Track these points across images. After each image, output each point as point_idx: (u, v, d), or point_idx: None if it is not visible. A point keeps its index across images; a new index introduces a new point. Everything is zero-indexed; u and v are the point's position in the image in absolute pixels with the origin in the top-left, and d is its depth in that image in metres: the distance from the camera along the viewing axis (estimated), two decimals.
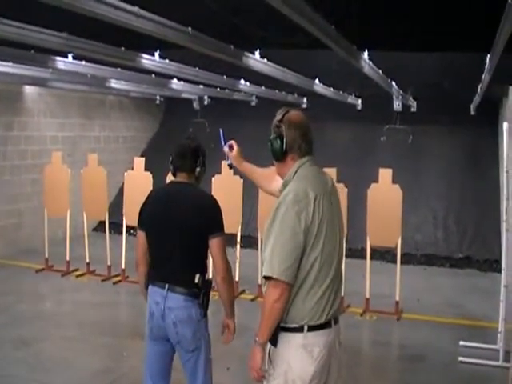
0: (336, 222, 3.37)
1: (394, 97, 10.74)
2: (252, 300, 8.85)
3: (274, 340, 3.27)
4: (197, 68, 8.30)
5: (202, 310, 4.07)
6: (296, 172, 3.35)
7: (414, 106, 12.45)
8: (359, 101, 13.19)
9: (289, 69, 8.27)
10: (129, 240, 9.83)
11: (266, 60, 7.27)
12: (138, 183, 9.24)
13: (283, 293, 3.16)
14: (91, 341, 7.17)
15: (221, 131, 3.78)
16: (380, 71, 7.96)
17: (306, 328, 3.24)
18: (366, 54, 6.86)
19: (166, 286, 4.03)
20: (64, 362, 6.47)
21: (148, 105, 15.19)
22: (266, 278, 3.20)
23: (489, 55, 6.78)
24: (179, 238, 4.06)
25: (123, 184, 12.34)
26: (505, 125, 6.90)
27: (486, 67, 7.16)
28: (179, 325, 4.03)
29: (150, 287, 4.15)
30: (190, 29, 5.26)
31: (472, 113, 12.30)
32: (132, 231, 9.89)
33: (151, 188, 9.04)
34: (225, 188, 8.84)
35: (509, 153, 6.86)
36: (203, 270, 4.14)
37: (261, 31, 6.12)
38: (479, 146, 13.01)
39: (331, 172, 8.69)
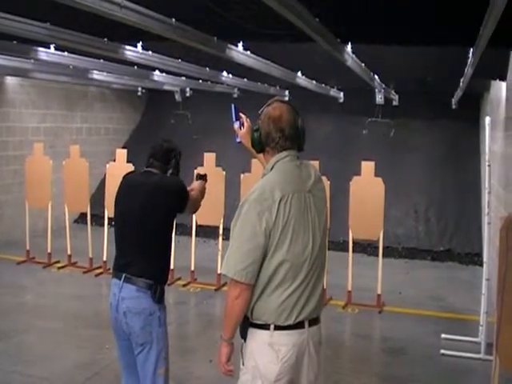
0: (310, 222, 3.24)
1: (377, 90, 10.75)
2: None
3: (243, 334, 3.27)
4: (179, 60, 8.25)
5: (155, 303, 3.99)
6: (273, 167, 3.26)
7: (395, 99, 12.47)
8: (341, 94, 13.19)
9: (272, 61, 8.24)
10: (110, 232, 9.76)
11: (249, 52, 7.24)
12: (120, 175, 9.06)
13: (242, 292, 3.11)
14: (73, 333, 7.14)
15: (232, 106, 3.68)
16: (363, 64, 7.94)
17: (272, 327, 3.18)
18: (349, 47, 6.83)
19: (123, 276, 3.99)
20: (46, 354, 6.43)
21: (130, 96, 15.10)
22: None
23: (472, 49, 6.78)
24: (138, 226, 4.03)
25: (105, 176, 12.31)
26: (487, 119, 6.94)
27: (469, 61, 7.16)
28: (129, 315, 3.96)
29: (112, 279, 4.12)
30: (173, 20, 5.22)
31: (453, 107, 12.34)
32: (113, 223, 9.82)
33: None
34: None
35: (490, 146, 6.89)
36: (161, 261, 4.11)
37: (244, 23, 6.09)
38: (460, 140, 13.06)
39: (314, 165, 8.70)
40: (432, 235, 11.92)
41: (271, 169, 3.26)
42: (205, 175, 4.79)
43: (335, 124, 13.99)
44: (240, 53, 6.87)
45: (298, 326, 3.21)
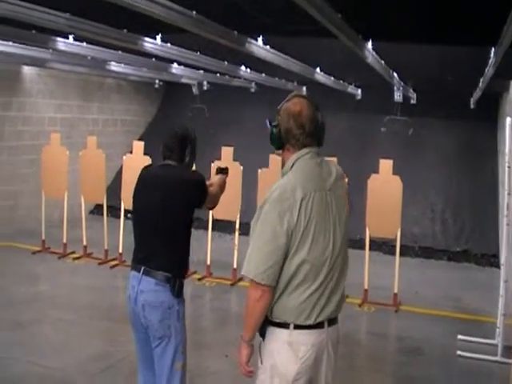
0: (331, 221, 3.16)
1: (395, 88, 10.65)
2: None
3: (262, 333, 3.22)
4: (198, 53, 8.19)
5: (173, 296, 3.94)
6: (293, 164, 3.18)
7: (413, 97, 12.36)
8: (359, 91, 13.08)
9: (291, 56, 8.17)
10: (126, 224, 9.75)
11: (268, 47, 7.17)
12: (137, 167, 9.03)
13: (263, 294, 3.05)
14: (88, 324, 7.12)
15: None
16: (382, 62, 7.86)
17: (291, 326, 3.13)
18: (369, 44, 6.77)
19: (142, 268, 3.94)
20: (61, 345, 6.42)
21: (147, 89, 15.06)
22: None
23: (493, 49, 6.70)
24: (156, 220, 3.97)
25: (121, 167, 12.28)
26: (508, 120, 6.82)
27: (490, 61, 7.06)
28: (147, 308, 3.91)
29: (131, 272, 4.07)
30: (194, 13, 5.16)
31: (472, 106, 12.21)
32: (129, 215, 9.79)
33: None
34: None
35: (511, 148, 6.78)
36: (180, 254, 4.06)
37: (265, 17, 6.04)
38: (478, 140, 12.93)
39: (334, 162, 8.62)
40: (448, 235, 11.81)
41: (291, 166, 3.18)
42: (226, 169, 4.68)
43: (352, 121, 13.88)
44: (260, 47, 6.81)
45: (318, 325, 3.15)
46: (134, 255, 4.11)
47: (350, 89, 12.44)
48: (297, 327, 3.13)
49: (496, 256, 11.20)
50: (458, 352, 6.75)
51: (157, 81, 14.06)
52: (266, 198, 3.10)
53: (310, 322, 3.12)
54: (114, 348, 6.39)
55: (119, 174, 11.74)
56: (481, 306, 8.56)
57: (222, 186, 4.51)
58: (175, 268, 3.98)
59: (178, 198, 3.98)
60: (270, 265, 3.01)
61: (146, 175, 4.21)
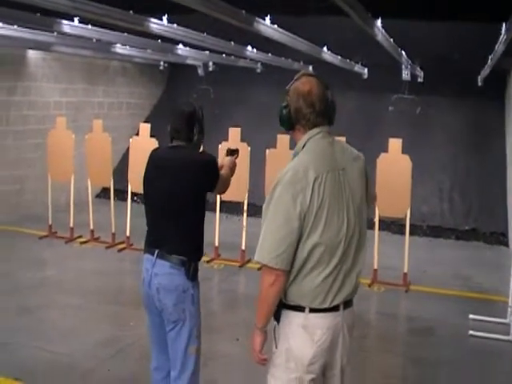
0: (345, 202, 3.07)
1: (403, 66, 10.52)
2: (259, 269, 8.68)
3: (277, 316, 3.16)
4: (204, 33, 8.09)
5: (188, 280, 3.88)
6: (305, 144, 3.10)
7: (420, 76, 12.22)
8: (365, 70, 12.95)
9: (298, 35, 8.06)
10: (133, 207, 9.72)
11: (276, 26, 7.06)
12: (143, 149, 8.97)
13: (277, 279, 2.98)
14: (96, 309, 7.07)
15: None
16: (391, 40, 7.75)
17: (307, 309, 3.07)
18: (379, 22, 6.65)
19: (156, 252, 3.88)
20: (68, 330, 6.36)
21: (151, 71, 14.93)
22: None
23: (505, 25, 6.57)
24: (168, 204, 3.89)
25: (127, 150, 12.21)
26: None
27: (501, 38, 6.94)
28: (162, 292, 3.86)
29: (144, 254, 4.01)
30: None
31: (479, 84, 12.07)
32: (136, 198, 9.76)
33: None
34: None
35: None
36: (194, 238, 3.99)
37: None
38: (485, 118, 12.81)
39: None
40: (457, 214, 11.73)
41: (303, 147, 3.11)
42: (236, 150, 4.56)
43: (359, 100, 13.74)
44: (267, 26, 6.70)
45: (334, 308, 3.09)
46: (146, 238, 4.05)
47: (357, 68, 12.31)
48: (312, 310, 3.06)
49: (504, 234, 11.16)
50: (470, 332, 6.69)
51: (162, 62, 13.94)
52: (277, 179, 3.02)
53: (326, 305, 3.06)
54: (123, 332, 6.34)
55: (125, 156, 11.67)
56: (491, 285, 8.50)
57: (232, 169, 4.41)
58: (190, 251, 3.91)
59: (187, 181, 3.89)
60: (283, 249, 2.94)
61: (155, 158, 4.11)
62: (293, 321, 3.10)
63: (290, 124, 3.16)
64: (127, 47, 10.30)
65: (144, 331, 6.22)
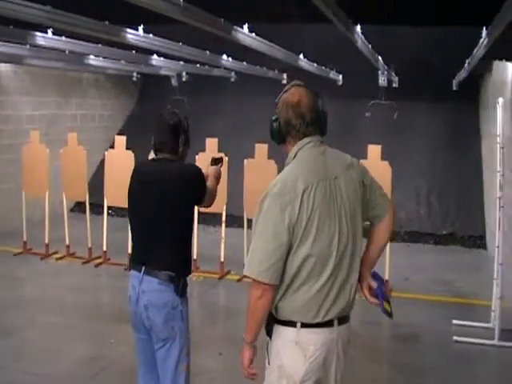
0: (337, 211, 2.99)
1: (380, 72, 10.50)
2: (238, 281, 8.63)
3: (269, 331, 3.10)
4: (180, 43, 7.98)
5: (177, 296, 3.77)
6: (295, 155, 3.07)
7: (395, 81, 12.21)
8: (340, 76, 12.91)
9: (275, 43, 7.99)
10: (109, 220, 9.56)
11: (254, 34, 6.98)
12: (119, 162, 8.94)
13: (264, 293, 2.92)
14: (76, 327, 6.87)
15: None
16: (370, 46, 7.70)
17: (299, 324, 2.99)
18: (358, 28, 6.60)
19: (143, 268, 3.77)
20: (49, 350, 6.18)
21: (124, 82, 14.72)
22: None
23: (486, 30, 6.54)
24: (156, 219, 3.78)
25: (100, 163, 12.05)
26: (500, 100, 6.70)
27: (481, 42, 6.90)
28: (150, 309, 3.75)
29: (130, 271, 3.90)
30: (181, 1, 4.95)
31: (454, 88, 12.09)
32: (111, 211, 9.59)
33: (132, 167, 8.78)
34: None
35: (503, 129, 6.67)
36: (183, 253, 3.88)
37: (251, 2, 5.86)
38: (461, 122, 12.81)
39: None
40: (434, 218, 11.73)
41: (294, 157, 3.08)
42: (220, 158, 4.43)
43: (335, 107, 13.63)
44: (246, 35, 6.61)
45: (327, 324, 3.01)
46: (133, 254, 3.97)
47: (332, 74, 12.26)
48: (304, 326, 2.99)
49: (482, 237, 11.18)
50: (455, 337, 6.65)
51: (134, 73, 13.78)
52: (266, 192, 2.98)
53: (318, 319, 2.98)
54: (104, 350, 6.19)
55: (99, 169, 11.52)
56: (471, 289, 8.50)
57: (218, 178, 4.31)
58: (178, 267, 3.81)
59: (174, 194, 3.79)
60: (272, 262, 2.89)
61: (139, 172, 3.99)
62: (285, 336, 3.04)
63: (280, 137, 3.13)
64: (100, 58, 10.15)
65: (126, 349, 6.13)
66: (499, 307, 6.66)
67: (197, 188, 3.91)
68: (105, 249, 9.37)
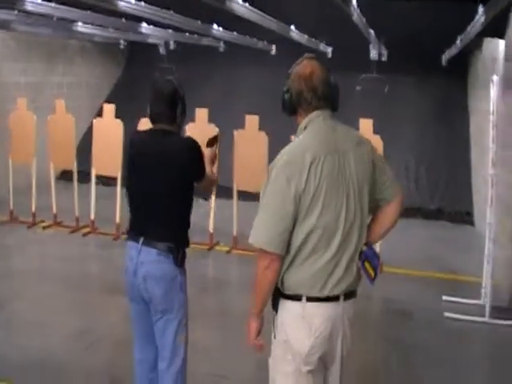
0: (344, 185, 2.98)
1: (371, 45, 10.37)
2: (227, 252, 8.57)
3: (275, 306, 3.10)
4: (171, 11, 7.81)
5: (176, 267, 3.74)
6: (305, 127, 3.07)
7: (385, 55, 12.07)
8: (329, 49, 12.76)
9: (267, 13, 7.85)
10: (97, 189, 9.41)
11: (247, 4, 6.85)
12: (108, 131, 8.81)
13: (271, 263, 2.93)
14: (65, 298, 6.78)
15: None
16: (364, 19, 7.58)
17: (304, 298, 2.99)
18: (354, 1, 6.48)
19: (141, 239, 3.73)
20: (40, 322, 6.05)
21: (111, 50, 14.47)
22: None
23: (482, 6, 6.46)
24: (156, 185, 3.72)
25: (86, 131, 11.88)
26: (494, 78, 6.62)
27: (477, 19, 6.82)
28: (149, 281, 3.71)
29: (128, 242, 3.86)
30: None
31: (443, 64, 11.99)
32: (96, 180, 9.43)
33: (121, 136, 8.71)
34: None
35: (497, 106, 6.59)
36: (182, 225, 3.83)
37: None
38: (450, 98, 12.70)
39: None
40: (423, 194, 11.67)
41: (304, 129, 3.08)
42: (215, 138, 4.30)
43: None
44: (240, 5, 6.48)
45: (333, 298, 3.01)
46: (131, 224, 3.91)
47: (322, 47, 12.12)
48: (310, 299, 2.99)
49: (470, 213, 11.15)
50: (446, 314, 6.65)
51: (121, 41, 13.55)
52: (274, 163, 3.00)
53: (325, 293, 2.98)
54: (96, 321, 6.12)
55: (86, 137, 11.33)
56: (461, 266, 8.47)
57: (214, 161, 4.23)
58: (177, 238, 3.77)
59: (173, 171, 3.71)
60: (278, 232, 2.89)
61: (137, 143, 3.90)
62: (290, 310, 3.04)
63: (291, 108, 3.12)
64: (89, 26, 9.93)
65: (117, 320, 6.07)
66: (490, 285, 6.66)
67: (195, 164, 3.81)
68: (92, 218, 9.26)
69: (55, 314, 6.28)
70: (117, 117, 8.99)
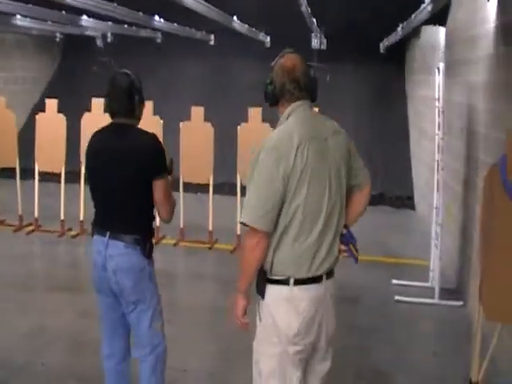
0: (327, 171, 3.17)
1: (313, 34, 10.44)
2: (174, 245, 8.54)
3: (261, 291, 3.22)
4: (115, 4, 7.70)
5: (144, 258, 3.77)
6: (288, 116, 3.23)
7: (324, 43, 12.16)
8: (268, 38, 12.77)
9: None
10: (41, 186, 9.21)
11: None
12: (51, 126, 8.64)
13: (260, 241, 3.07)
14: (14, 297, 6.58)
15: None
16: (309, 9, 7.61)
17: (291, 281, 3.14)
18: None
19: (108, 233, 3.74)
20: None
21: (47, 43, 14.13)
22: (244, 224, 3.12)
23: None
24: (119, 181, 3.72)
25: (24, 127, 11.61)
26: (441, 65, 6.75)
27: (423, 7, 6.92)
28: (119, 273, 3.73)
29: (94, 236, 3.86)
30: None
31: (381, 51, 12.15)
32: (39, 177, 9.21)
33: (64, 131, 8.59)
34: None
35: (444, 93, 6.72)
36: (147, 216, 3.85)
37: None
38: (388, 85, 12.89)
39: (256, 111, 8.39)
40: None
41: (287, 118, 3.24)
42: (170, 162, 3.93)
43: (263, 70, 13.54)
44: None
45: (317, 279, 3.18)
46: (96, 218, 3.90)
47: (261, 36, 12.12)
48: (297, 283, 3.14)
49: (411, 198, 11.37)
50: (396, 297, 6.77)
51: (57, 34, 13.24)
52: (261, 145, 3.13)
53: (310, 274, 3.14)
54: (50, 320, 5.97)
55: (24, 133, 11.05)
56: (405, 249, 8.68)
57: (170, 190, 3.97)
58: (143, 230, 3.80)
59: (132, 166, 3.70)
60: (267, 210, 3.04)
61: (97, 141, 3.89)
62: (278, 295, 3.17)
63: (274, 99, 3.27)
64: (27, 19, 9.68)
65: (71, 317, 5.98)
66: (438, 267, 6.81)
67: (156, 160, 3.78)
68: (36, 216, 9.06)
69: (6, 315, 6.09)
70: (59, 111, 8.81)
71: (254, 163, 3.11)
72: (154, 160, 3.76)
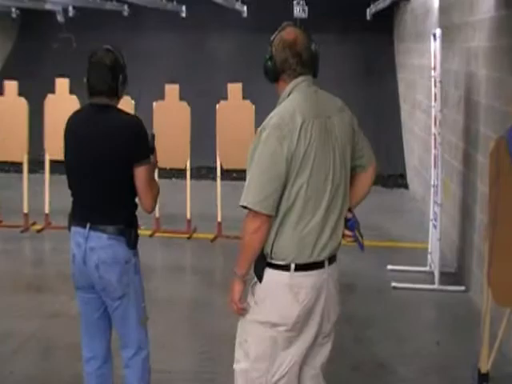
0: (331, 150, 3.17)
1: (295, 2, 10.36)
2: (150, 236, 8.46)
3: (259, 275, 3.23)
4: None
5: (129, 249, 3.71)
6: (290, 93, 3.23)
7: (305, 11, 12.07)
8: (245, 7, 12.66)
9: None
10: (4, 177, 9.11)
11: None
12: (11, 111, 8.51)
13: (261, 224, 3.08)
14: None
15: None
16: None
17: (292, 267, 3.16)
18: None
19: (88, 224, 3.66)
20: None
21: (1, 20, 13.83)
22: (245, 208, 3.12)
23: None
24: (99, 169, 3.66)
25: None
26: (438, 31, 6.68)
27: None
28: (102, 267, 3.67)
29: (72, 228, 3.78)
30: None
31: (368, 18, 12.10)
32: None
33: (26, 116, 8.46)
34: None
35: (441, 62, 6.66)
36: (130, 204, 3.78)
37: None
38: (375, 54, 12.86)
39: (236, 87, 8.31)
40: None
41: (289, 95, 3.23)
42: (152, 138, 3.87)
43: (239, 41, 13.42)
44: None
45: (319, 265, 3.20)
46: (75, 209, 3.83)
47: (237, 6, 12.01)
48: (298, 268, 3.16)
49: (403, 176, 11.37)
50: (393, 283, 6.75)
51: (13, 9, 12.99)
52: (263, 125, 3.14)
53: (312, 259, 3.16)
54: (19, 323, 5.86)
55: None
56: (400, 232, 8.70)
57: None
58: (127, 219, 3.72)
59: (114, 150, 3.64)
60: (269, 193, 3.05)
61: (73, 122, 3.83)
62: (277, 280, 3.19)
63: (274, 75, 3.27)
64: None
65: (40, 319, 5.89)
66: (438, 250, 6.77)
67: (138, 144, 3.70)
68: None
69: None
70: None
71: (256, 143, 3.11)
72: (137, 144, 3.69)
